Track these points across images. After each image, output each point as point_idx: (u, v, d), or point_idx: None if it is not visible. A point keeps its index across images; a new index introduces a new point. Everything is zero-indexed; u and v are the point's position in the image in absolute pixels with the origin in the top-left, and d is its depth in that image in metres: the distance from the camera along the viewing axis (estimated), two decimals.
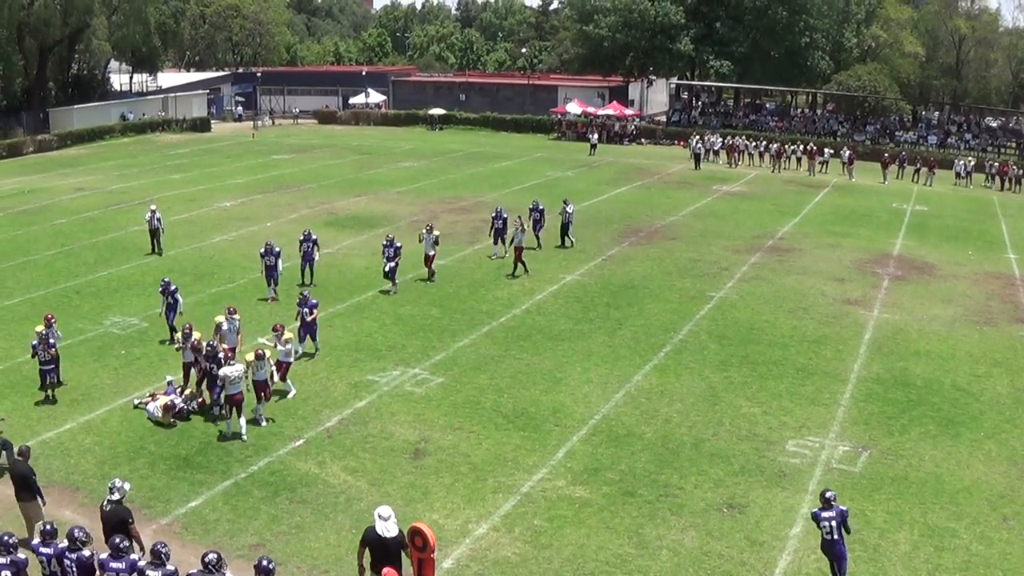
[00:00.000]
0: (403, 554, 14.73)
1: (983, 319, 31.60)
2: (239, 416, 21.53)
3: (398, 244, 33.07)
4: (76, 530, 13.98)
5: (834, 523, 15.47)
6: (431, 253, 34.65)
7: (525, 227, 36.64)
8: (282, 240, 35.98)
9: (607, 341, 28.52)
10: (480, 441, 21.57)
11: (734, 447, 21.36)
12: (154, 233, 38.66)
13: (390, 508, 14.71)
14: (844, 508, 15.77)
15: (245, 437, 21.43)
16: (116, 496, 15.52)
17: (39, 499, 17.16)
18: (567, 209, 41.00)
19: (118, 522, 15.26)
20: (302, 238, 34.01)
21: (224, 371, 21.51)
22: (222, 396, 21.85)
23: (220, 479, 19.63)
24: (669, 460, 20.69)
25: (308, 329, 26.63)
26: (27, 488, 17.01)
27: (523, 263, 35.80)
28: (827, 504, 15.62)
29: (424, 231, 34.95)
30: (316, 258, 34.02)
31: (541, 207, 40.83)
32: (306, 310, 26.36)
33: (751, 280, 35.68)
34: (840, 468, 20.45)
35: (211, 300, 32.11)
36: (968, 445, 21.73)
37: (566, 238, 40.97)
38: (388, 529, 14.46)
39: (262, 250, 32.03)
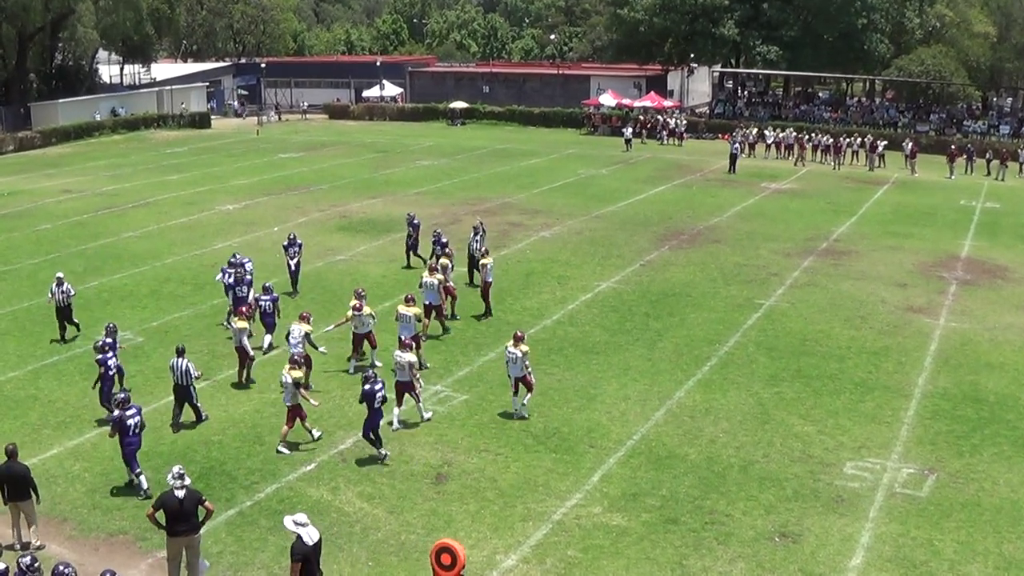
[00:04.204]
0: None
1: None
2: (398, 404, 23.20)
3: (299, 242, 34.44)
4: (61, 566, 13.98)
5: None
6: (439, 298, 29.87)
7: (452, 260, 32.39)
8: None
9: (646, 354, 28.50)
10: (508, 464, 21.58)
11: (786, 470, 21.28)
12: (62, 311, 29.60)
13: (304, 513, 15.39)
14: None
15: (396, 427, 23.05)
16: (188, 480, 16.52)
17: (35, 497, 17.92)
18: (477, 237, 34.87)
19: (195, 503, 16.35)
20: (287, 243, 34.38)
21: (396, 354, 23.02)
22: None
23: (223, 508, 19.64)
24: (715, 484, 20.65)
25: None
26: (24, 488, 17.75)
27: (443, 317, 30.45)
28: (372, 381, 21.02)
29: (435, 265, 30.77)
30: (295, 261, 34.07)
31: (416, 221, 37.91)
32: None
33: (803, 286, 35.59)
34: (904, 493, 20.33)
35: (212, 312, 32.25)
36: None
37: (476, 272, 34.21)
38: (311, 535, 14.93)
39: (231, 280, 29.86)
